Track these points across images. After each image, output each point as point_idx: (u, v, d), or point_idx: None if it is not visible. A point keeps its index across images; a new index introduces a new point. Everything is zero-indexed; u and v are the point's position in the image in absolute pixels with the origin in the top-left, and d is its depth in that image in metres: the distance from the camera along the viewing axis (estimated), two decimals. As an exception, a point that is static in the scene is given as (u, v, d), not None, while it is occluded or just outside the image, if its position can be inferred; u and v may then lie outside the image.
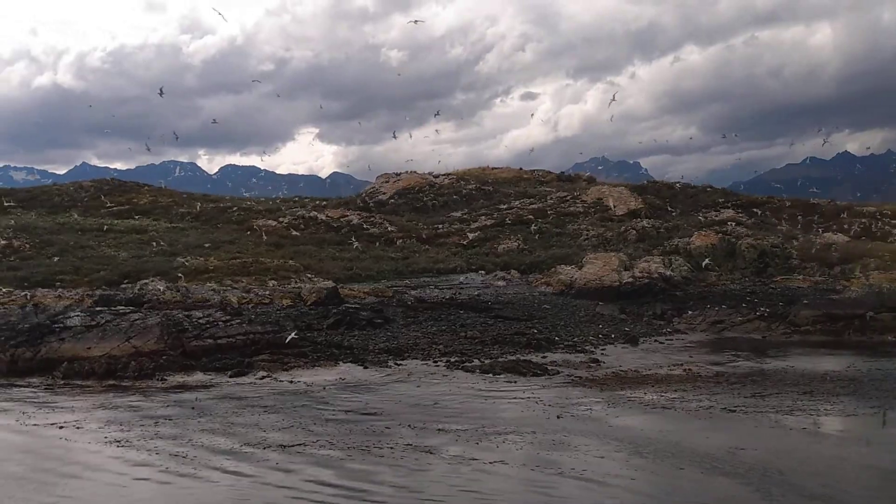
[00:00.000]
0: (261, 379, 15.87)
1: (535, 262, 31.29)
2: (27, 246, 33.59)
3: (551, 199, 43.39)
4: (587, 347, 19.74)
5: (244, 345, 18.35)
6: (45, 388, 15.50)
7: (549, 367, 16.62)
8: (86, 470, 9.52)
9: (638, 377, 15.66)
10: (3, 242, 33.74)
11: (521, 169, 55.03)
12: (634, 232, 34.80)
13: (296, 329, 20.19)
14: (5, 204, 42.63)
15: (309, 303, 23.86)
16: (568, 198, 43.34)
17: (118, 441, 10.73)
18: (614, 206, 39.90)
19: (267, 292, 24.85)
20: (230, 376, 16.21)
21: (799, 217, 36.34)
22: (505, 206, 42.49)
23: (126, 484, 8.94)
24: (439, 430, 11.16)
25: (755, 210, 38.30)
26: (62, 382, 16.16)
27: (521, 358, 17.70)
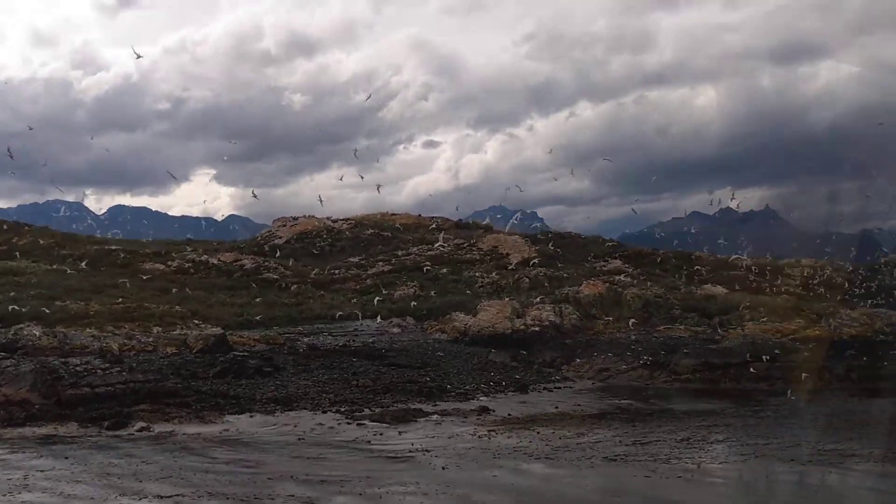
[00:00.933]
0: (139, 431, 15.22)
1: (430, 309, 31.37)
2: None
3: (448, 245, 43.82)
4: (479, 396, 19.93)
5: (123, 394, 17.58)
6: None
7: (439, 417, 16.65)
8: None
9: (525, 426, 15.88)
10: None
11: (419, 215, 55.36)
12: (527, 280, 35.49)
13: (179, 378, 19.54)
14: None
15: (195, 350, 23.10)
16: (465, 245, 43.90)
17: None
18: (509, 255, 40.69)
19: (151, 339, 23.94)
20: (107, 427, 15.47)
21: (682, 268, 38.01)
22: (403, 253, 42.60)
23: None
24: (322, 481, 10.97)
25: (645, 261, 39.85)
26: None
27: (412, 407, 17.71)
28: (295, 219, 49.62)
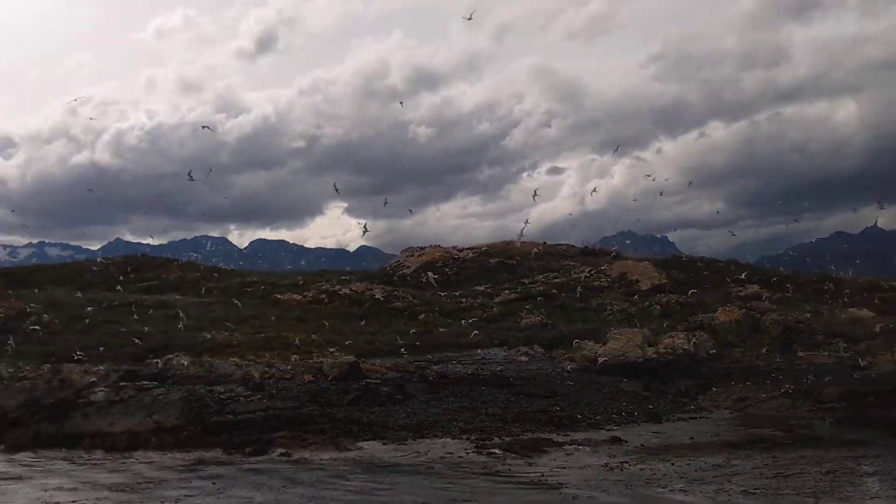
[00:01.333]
0: (279, 456, 15.86)
1: (558, 337, 31.14)
2: (56, 321, 34.17)
3: (575, 273, 43.41)
4: (610, 426, 19.52)
5: (264, 420, 18.36)
6: (67, 464, 15.57)
7: (570, 447, 16.43)
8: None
9: (659, 457, 15.39)
10: (32, 318, 34.38)
11: (545, 243, 55.18)
12: (658, 307, 34.61)
13: (315, 405, 20.28)
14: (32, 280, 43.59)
15: (330, 377, 23.90)
16: (592, 272, 43.35)
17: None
18: (638, 281, 39.82)
19: (289, 367, 24.97)
20: (249, 453, 16.21)
21: (825, 292, 35.95)
22: (528, 281, 42.57)
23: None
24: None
25: (785, 285, 37.97)
26: (84, 457, 16.28)
27: (542, 436, 17.55)
28: (422, 249, 50.66)
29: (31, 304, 36.00)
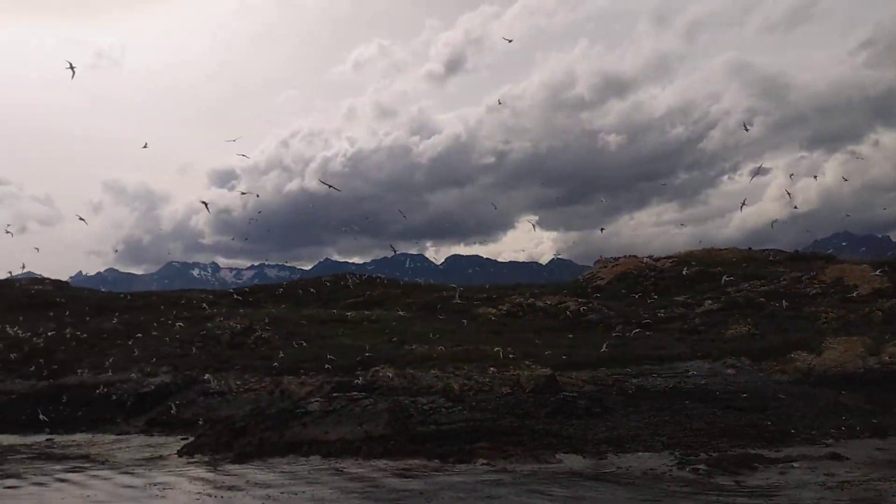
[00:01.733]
0: (481, 466, 16.24)
1: (767, 348, 29.31)
2: (276, 337, 37.20)
3: (784, 280, 40.66)
4: (827, 441, 18.11)
5: (465, 431, 18.94)
6: (288, 471, 16.87)
7: (783, 464, 15.43)
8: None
9: (887, 478, 14.06)
10: (256, 334, 37.67)
11: (749, 249, 52.23)
12: (880, 313, 31.55)
13: (514, 417, 20.56)
14: (254, 299, 47.75)
15: (527, 390, 24.07)
16: (803, 278, 40.37)
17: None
18: (856, 286, 36.55)
19: (487, 379, 25.44)
20: (453, 462, 16.75)
21: None
22: (732, 289, 40.41)
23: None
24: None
25: None
26: (303, 463, 17.59)
27: (752, 452, 16.63)
28: (616, 259, 49.69)
29: (255, 322, 39.46)
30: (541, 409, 21.79)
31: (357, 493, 13.90)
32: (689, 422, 20.33)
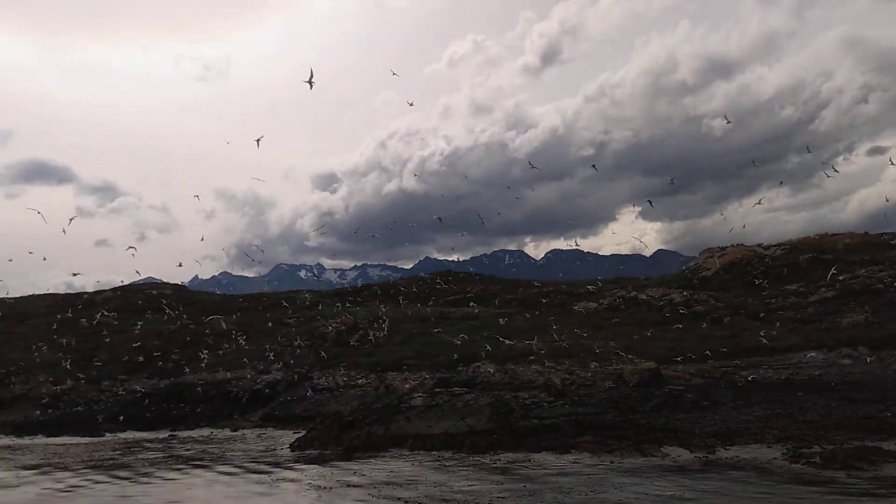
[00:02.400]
0: (585, 460, 16.16)
1: (886, 337, 27.81)
2: (379, 334, 38.07)
3: (906, 264, 38.48)
4: (957, 434, 17.03)
5: (567, 425, 18.84)
6: (396, 462, 17.28)
7: (906, 456, 14.66)
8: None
9: None
10: (360, 332, 38.67)
11: (866, 233, 49.74)
12: None
13: (617, 411, 20.33)
14: (358, 298, 48.92)
15: (631, 384, 23.73)
16: (928, 262, 38.10)
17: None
18: None
19: (589, 374, 25.24)
20: (555, 456, 16.74)
21: None
22: (848, 276, 38.53)
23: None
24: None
25: None
26: (408, 456, 17.98)
27: (870, 444, 15.85)
28: (723, 248, 48.24)
29: (359, 320, 40.49)
30: (645, 403, 21.44)
31: (461, 487, 14.10)
32: (801, 414, 19.55)
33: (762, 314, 34.03)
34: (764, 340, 28.82)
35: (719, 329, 32.67)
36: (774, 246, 46.99)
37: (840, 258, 42.70)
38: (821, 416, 19.14)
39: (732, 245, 48.07)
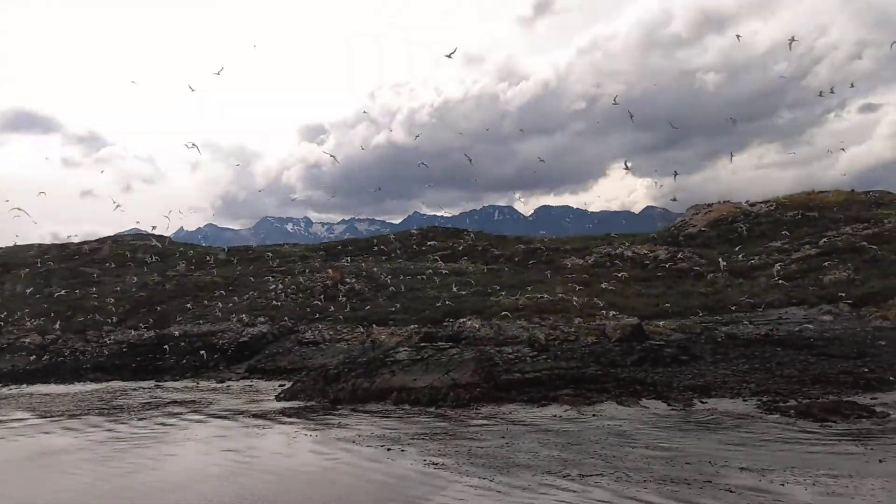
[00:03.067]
0: (565, 412, 16.42)
1: (868, 294, 28.14)
2: (366, 289, 38.18)
3: (889, 223, 38.71)
4: (930, 389, 17.40)
5: (549, 379, 19.13)
6: (380, 415, 17.52)
7: (879, 410, 14.97)
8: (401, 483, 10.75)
9: None
10: (347, 286, 38.74)
11: (852, 191, 49.91)
12: None
13: (598, 365, 20.60)
14: (346, 252, 48.95)
15: (613, 339, 24.05)
16: (911, 220, 38.36)
17: (435, 464, 11.89)
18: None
19: (572, 329, 25.53)
20: (537, 408, 17.01)
21: None
22: (833, 233, 38.80)
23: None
24: (741, 468, 10.75)
25: None
26: (392, 409, 18.21)
27: (845, 399, 16.17)
28: (709, 205, 48.37)
29: (346, 275, 40.55)
30: (626, 358, 21.76)
31: (443, 435, 14.34)
32: (779, 369, 19.89)
33: (745, 271, 34.32)
34: (746, 297, 29.13)
35: (702, 285, 32.96)
36: (761, 203, 47.13)
37: (825, 216, 42.95)
38: (798, 371, 19.49)
39: (719, 202, 48.22)
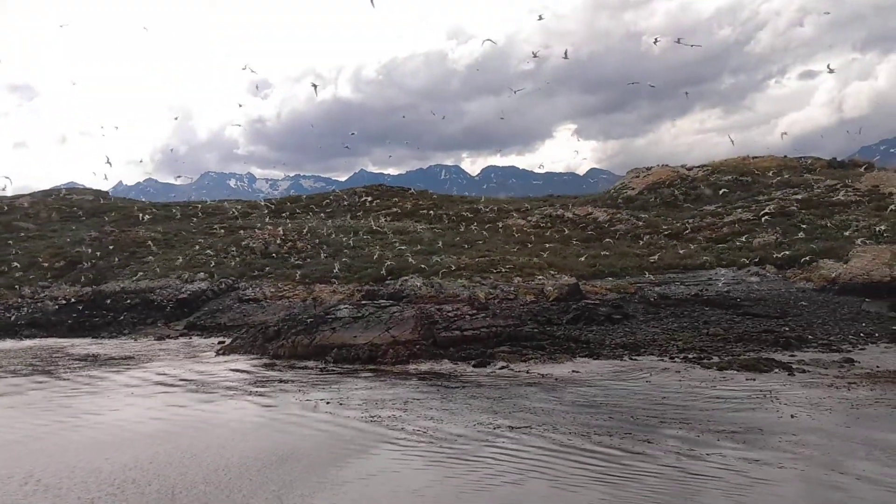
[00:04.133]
0: (500, 369, 16.90)
1: (794, 257, 29.36)
2: (308, 246, 38.09)
3: (819, 188, 40.20)
4: (844, 347, 18.43)
5: (487, 337, 19.63)
6: (318, 371, 17.74)
7: (794, 366, 15.82)
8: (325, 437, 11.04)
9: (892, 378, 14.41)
10: (289, 244, 38.57)
11: (785, 157, 51.46)
12: (913, 222, 31.22)
13: (536, 323, 21.14)
14: (288, 210, 48.59)
15: (551, 298, 24.66)
16: (838, 186, 39.87)
17: (372, 418, 12.20)
18: (892, 195, 36.01)
19: (512, 288, 26.04)
20: (474, 365, 17.45)
21: None
22: (764, 198, 40.13)
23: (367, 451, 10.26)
24: (662, 422, 11.32)
25: None
26: (332, 366, 18.44)
27: (765, 356, 17.03)
28: (648, 169, 49.38)
29: (288, 232, 40.34)
30: (563, 317, 22.38)
31: (380, 389, 14.65)
32: (706, 328, 20.77)
33: (680, 233, 35.34)
34: (679, 259, 30.06)
35: (638, 247, 33.84)
36: (697, 167, 48.31)
37: (758, 181, 44.30)
38: (724, 330, 20.39)
39: (658, 165, 49.23)
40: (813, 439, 10.03)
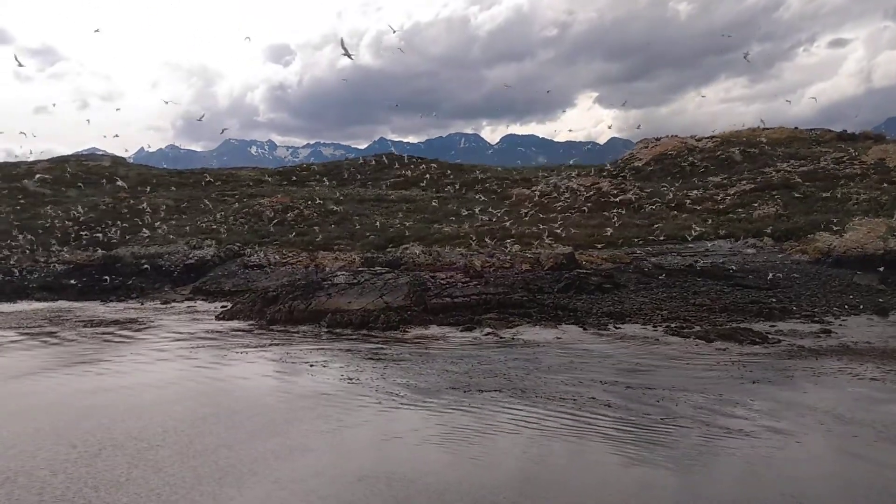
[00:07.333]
0: (485, 335, 17.42)
1: (792, 229, 29.51)
2: (315, 214, 38.69)
3: (825, 160, 40.07)
4: (826, 318, 18.75)
5: (477, 304, 20.17)
6: (312, 335, 18.36)
7: (771, 337, 16.20)
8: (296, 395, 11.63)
9: (864, 350, 14.76)
10: (296, 211, 39.19)
11: (795, 128, 51.17)
12: (915, 195, 31.20)
13: (526, 292, 21.61)
14: (300, 178, 49.13)
15: (546, 267, 25.06)
16: (844, 158, 39.74)
17: (350, 378, 12.78)
18: (897, 167, 35.90)
19: (508, 257, 26.46)
20: (460, 331, 17.99)
21: None
22: (769, 170, 40.09)
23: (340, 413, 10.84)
24: (627, 387, 11.80)
25: None
26: (326, 330, 19.06)
27: (743, 326, 17.42)
28: (657, 139, 49.30)
29: (296, 200, 40.93)
30: (554, 285, 22.81)
31: (366, 352, 15.23)
32: (694, 298, 21.13)
33: (681, 204, 35.50)
34: (679, 230, 30.29)
35: (639, 217, 34.06)
36: (706, 138, 48.15)
37: (767, 152, 44.16)
38: (710, 300, 20.74)
39: (666, 136, 49.14)
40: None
